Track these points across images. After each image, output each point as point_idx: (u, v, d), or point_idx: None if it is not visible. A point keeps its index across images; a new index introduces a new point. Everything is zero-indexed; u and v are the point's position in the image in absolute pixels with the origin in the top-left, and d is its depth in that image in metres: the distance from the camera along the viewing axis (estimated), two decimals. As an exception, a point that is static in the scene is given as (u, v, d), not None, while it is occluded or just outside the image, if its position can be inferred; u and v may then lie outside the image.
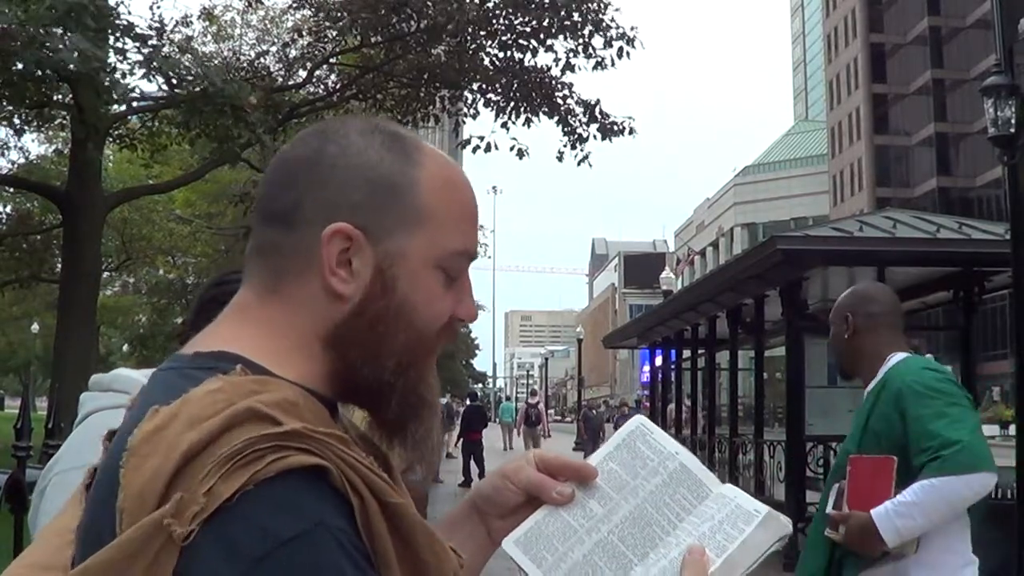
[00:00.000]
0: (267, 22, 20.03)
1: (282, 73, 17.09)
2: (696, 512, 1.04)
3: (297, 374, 0.90)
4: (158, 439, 0.81)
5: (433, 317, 0.94)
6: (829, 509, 2.77)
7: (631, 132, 15.23)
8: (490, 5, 14.30)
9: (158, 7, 12.62)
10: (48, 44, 9.70)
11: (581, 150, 15.27)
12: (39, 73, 11.93)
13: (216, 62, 15.52)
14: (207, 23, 18.76)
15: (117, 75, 10.62)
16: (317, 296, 0.91)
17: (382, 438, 0.97)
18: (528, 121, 15.19)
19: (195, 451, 0.78)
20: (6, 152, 21.54)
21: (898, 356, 2.92)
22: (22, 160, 22.66)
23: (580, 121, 15.17)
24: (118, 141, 16.44)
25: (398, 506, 0.83)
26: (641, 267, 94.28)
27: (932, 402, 2.70)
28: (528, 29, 14.45)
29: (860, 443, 2.81)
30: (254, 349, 0.90)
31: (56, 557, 0.92)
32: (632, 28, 14.51)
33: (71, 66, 9.85)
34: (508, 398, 55.78)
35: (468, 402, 22.55)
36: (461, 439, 18.88)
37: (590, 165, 15.39)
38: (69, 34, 9.56)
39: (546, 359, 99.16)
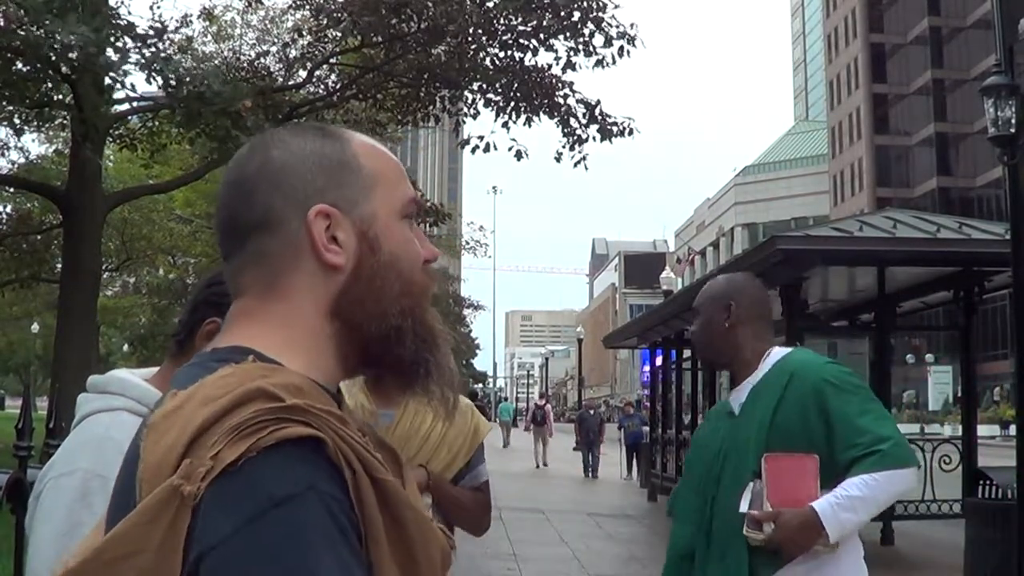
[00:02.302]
0: (267, 22, 20.02)
1: (282, 73, 17.08)
2: None
3: (305, 364, 0.98)
4: (175, 416, 0.90)
5: (413, 260, 1.05)
6: (745, 509, 2.64)
7: (631, 133, 15.19)
8: (490, 5, 14.28)
9: (158, 7, 12.60)
10: (44, 32, 9.72)
11: (579, 151, 15.26)
12: (39, 73, 11.94)
13: (216, 62, 15.51)
14: (207, 23, 18.76)
15: (112, 56, 10.58)
16: (315, 276, 1.01)
17: (409, 383, 1.06)
18: (529, 121, 15.17)
19: (207, 425, 0.87)
20: (6, 152, 21.53)
21: (779, 350, 2.83)
22: (22, 160, 22.64)
23: (580, 122, 15.13)
24: (118, 141, 16.43)
25: (388, 483, 0.90)
26: (641, 267, 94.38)
27: (853, 398, 2.65)
28: (528, 29, 14.43)
29: (766, 442, 2.66)
30: (265, 343, 0.98)
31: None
32: (632, 26, 14.50)
33: (71, 53, 9.87)
34: (506, 399, 56.41)
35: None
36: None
37: (586, 168, 15.39)
38: (65, 25, 9.57)
39: (546, 359, 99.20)
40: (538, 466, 26.12)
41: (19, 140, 23.70)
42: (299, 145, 1.04)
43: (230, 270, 1.06)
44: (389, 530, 0.89)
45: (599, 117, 15.09)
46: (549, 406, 31.62)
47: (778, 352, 2.83)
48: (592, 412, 26.07)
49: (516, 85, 15.02)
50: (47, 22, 9.69)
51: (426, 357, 1.04)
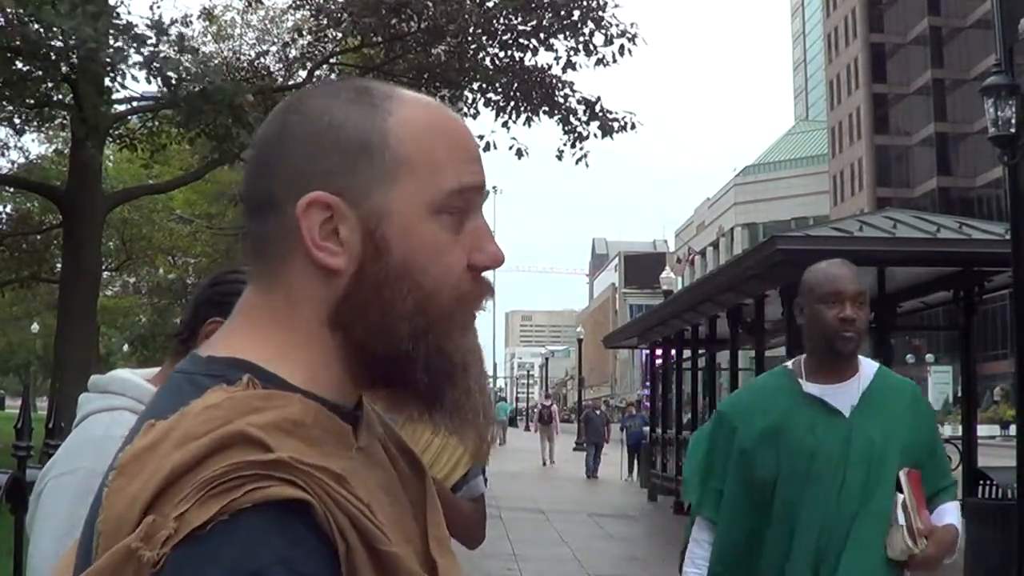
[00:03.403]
0: (267, 22, 20.05)
1: (282, 73, 17.10)
2: None
3: (312, 376, 0.84)
4: (146, 458, 0.76)
5: (441, 270, 0.85)
6: (903, 523, 2.55)
7: (632, 127, 15.18)
8: (490, 5, 14.29)
9: (158, 7, 12.60)
10: (43, 28, 9.74)
11: (580, 149, 15.26)
12: (39, 73, 11.94)
13: (216, 62, 15.52)
14: (207, 23, 18.77)
15: (112, 50, 10.61)
16: (310, 278, 0.84)
17: (421, 414, 0.90)
18: (528, 120, 15.18)
19: (177, 475, 0.74)
20: (6, 152, 21.55)
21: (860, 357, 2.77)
22: (22, 160, 22.67)
23: (580, 120, 15.13)
24: (118, 141, 16.44)
25: (390, 555, 0.76)
26: (641, 267, 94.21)
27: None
28: (528, 28, 14.44)
29: (901, 457, 2.61)
30: (265, 352, 0.84)
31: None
32: (632, 24, 14.51)
33: (71, 53, 9.89)
34: (504, 398, 57.47)
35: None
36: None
37: (587, 165, 15.39)
38: (65, 21, 9.59)
39: (546, 359, 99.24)
40: (544, 463, 27.34)
41: (19, 140, 23.72)
42: (320, 112, 0.85)
43: (244, 249, 0.91)
44: None
45: (600, 113, 15.09)
46: (555, 407, 33.16)
47: (863, 359, 2.78)
48: (598, 412, 26.85)
49: (516, 85, 15.03)
50: (46, 13, 9.68)
51: (443, 393, 0.87)
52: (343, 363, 0.85)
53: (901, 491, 2.58)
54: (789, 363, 2.82)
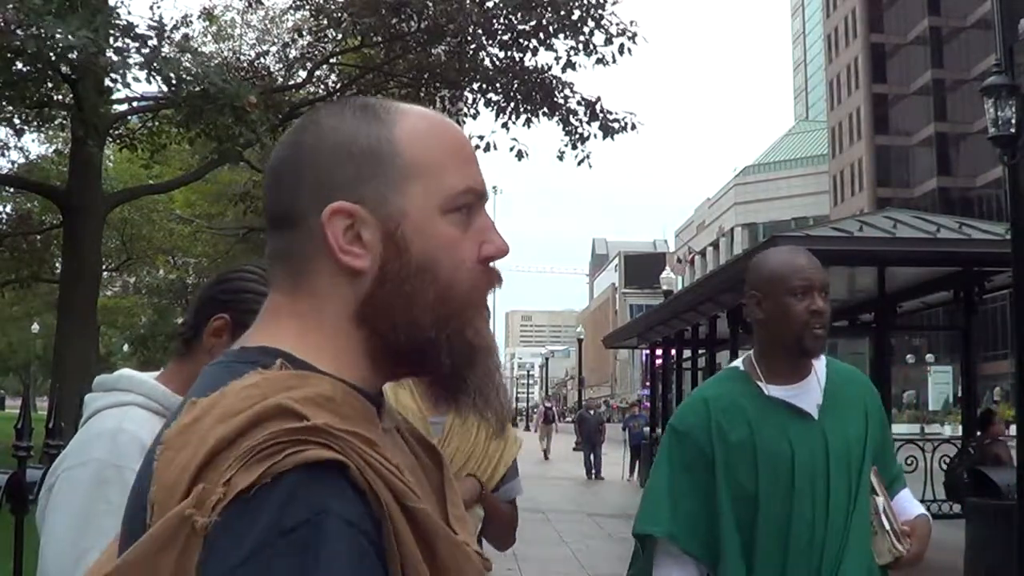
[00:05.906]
0: (267, 22, 20.06)
1: (282, 73, 17.10)
2: None
3: (338, 367, 0.91)
4: (191, 432, 0.83)
5: (456, 263, 0.93)
6: (888, 527, 2.37)
7: (633, 127, 15.17)
8: (490, 5, 14.28)
9: (158, 7, 12.59)
10: (44, 32, 9.74)
11: (582, 150, 15.25)
12: (39, 73, 11.93)
13: (216, 62, 15.52)
14: (207, 23, 18.77)
15: (112, 57, 10.61)
16: (337, 279, 0.92)
17: (447, 398, 0.97)
18: (528, 121, 15.17)
19: (222, 446, 0.80)
20: (6, 152, 21.51)
21: None
22: (22, 160, 22.65)
23: (581, 120, 15.13)
24: (118, 141, 16.43)
25: (418, 511, 0.84)
26: (641, 267, 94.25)
27: None
28: (528, 28, 14.42)
29: (872, 451, 2.43)
30: (294, 343, 0.91)
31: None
32: (632, 23, 14.50)
33: (70, 55, 9.90)
34: None
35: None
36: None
37: (590, 166, 15.38)
38: (65, 26, 9.59)
39: (546, 359, 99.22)
40: (546, 456, 30.01)
41: (19, 140, 23.72)
42: (332, 128, 0.94)
43: (267, 257, 0.99)
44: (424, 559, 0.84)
45: (600, 114, 15.07)
46: (555, 408, 38.22)
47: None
48: (592, 412, 26.77)
49: (516, 85, 15.01)
50: (47, 22, 9.69)
51: (464, 375, 0.95)
52: (368, 354, 0.93)
53: (875, 492, 2.41)
54: (739, 363, 2.53)
